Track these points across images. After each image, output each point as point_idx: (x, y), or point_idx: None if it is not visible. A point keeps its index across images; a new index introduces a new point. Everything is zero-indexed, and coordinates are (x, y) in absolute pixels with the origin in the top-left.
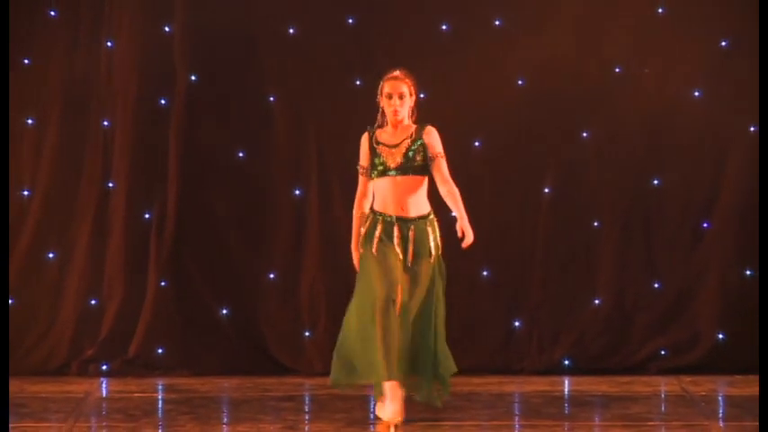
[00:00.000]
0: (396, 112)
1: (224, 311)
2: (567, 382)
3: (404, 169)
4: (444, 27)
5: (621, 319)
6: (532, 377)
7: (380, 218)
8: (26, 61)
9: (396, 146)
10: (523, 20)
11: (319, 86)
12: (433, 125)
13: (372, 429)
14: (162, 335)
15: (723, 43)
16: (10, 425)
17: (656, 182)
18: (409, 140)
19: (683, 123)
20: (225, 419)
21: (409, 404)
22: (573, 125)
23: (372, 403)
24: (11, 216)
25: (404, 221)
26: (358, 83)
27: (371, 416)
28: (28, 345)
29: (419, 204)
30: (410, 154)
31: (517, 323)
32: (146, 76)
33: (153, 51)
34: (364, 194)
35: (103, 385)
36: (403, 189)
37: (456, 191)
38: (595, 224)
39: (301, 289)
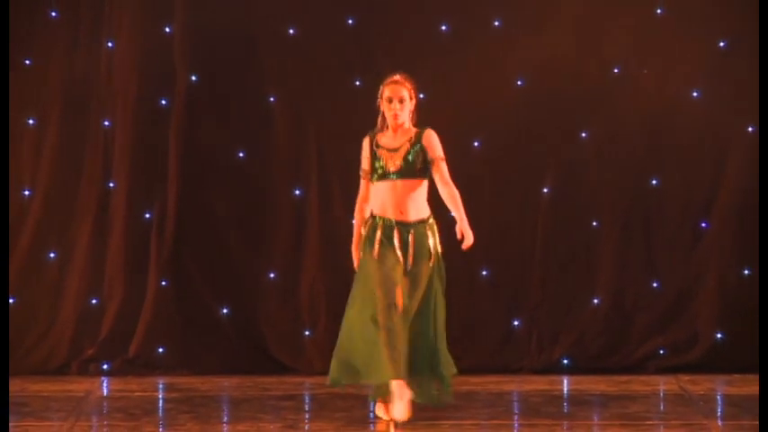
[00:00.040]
0: (396, 116)
1: (224, 311)
2: (566, 381)
3: (403, 173)
4: (444, 27)
5: (620, 318)
6: (532, 376)
7: (380, 222)
8: (27, 61)
9: (396, 150)
10: (523, 20)
11: (319, 86)
12: (432, 128)
13: (372, 428)
14: (162, 334)
15: (722, 44)
16: (12, 424)
17: (655, 182)
18: (409, 144)
19: (682, 123)
20: (225, 418)
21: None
22: (572, 125)
23: (372, 402)
24: (11, 216)
25: (403, 225)
26: (358, 83)
27: (371, 415)
28: (28, 344)
29: (419, 208)
30: (410, 158)
31: (516, 323)
32: (146, 76)
33: (153, 51)
34: (365, 198)
35: (104, 384)
36: (402, 193)
37: (456, 193)
38: (595, 224)
39: (301, 289)
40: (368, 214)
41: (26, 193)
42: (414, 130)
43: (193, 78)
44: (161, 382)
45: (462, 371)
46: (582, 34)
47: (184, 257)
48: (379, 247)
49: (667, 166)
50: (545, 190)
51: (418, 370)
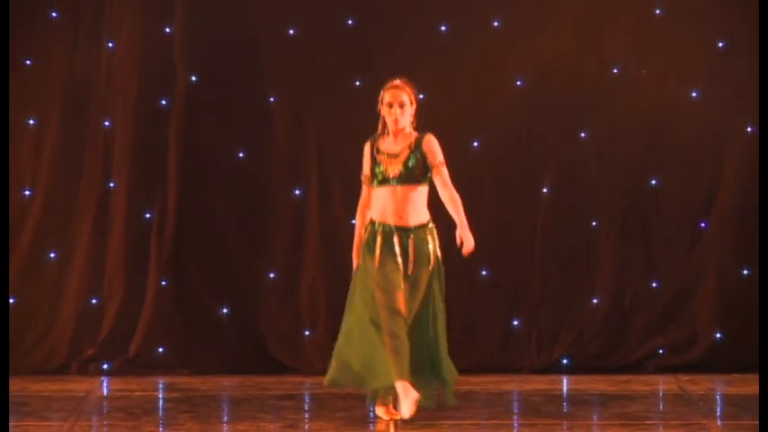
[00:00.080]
0: (396, 121)
1: (224, 311)
2: (565, 380)
3: (403, 179)
4: (444, 28)
5: (620, 318)
6: (531, 376)
7: (380, 228)
8: (27, 61)
9: (396, 155)
10: (523, 20)
11: (319, 86)
12: (432, 128)
13: (372, 428)
14: (162, 334)
15: (721, 44)
16: (12, 423)
17: (654, 182)
18: (409, 150)
19: (681, 123)
20: (225, 418)
21: None
22: (572, 125)
23: (371, 404)
24: (11, 216)
25: (403, 230)
26: (358, 83)
27: (371, 415)
28: (28, 344)
29: (418, 213)
30: (410, 163)
31: (516, 322)
32: (146, 76)
33: (153, 51)
34: (367, 203)
35: (104, 384)
36: (402, 198)
37: (457, 197)
38: (594, 224)
39: (301, 288)
40: (368, 220)
41: (26, 192)
42: (414, 134)
43: (193, 78)
44: (161, 382)
45: (462, 370)
46: (582, 34)
47: (184, 257)
48: (380, 255)
49: (667, 166)
50: (545, 190)
51: (419, 372)
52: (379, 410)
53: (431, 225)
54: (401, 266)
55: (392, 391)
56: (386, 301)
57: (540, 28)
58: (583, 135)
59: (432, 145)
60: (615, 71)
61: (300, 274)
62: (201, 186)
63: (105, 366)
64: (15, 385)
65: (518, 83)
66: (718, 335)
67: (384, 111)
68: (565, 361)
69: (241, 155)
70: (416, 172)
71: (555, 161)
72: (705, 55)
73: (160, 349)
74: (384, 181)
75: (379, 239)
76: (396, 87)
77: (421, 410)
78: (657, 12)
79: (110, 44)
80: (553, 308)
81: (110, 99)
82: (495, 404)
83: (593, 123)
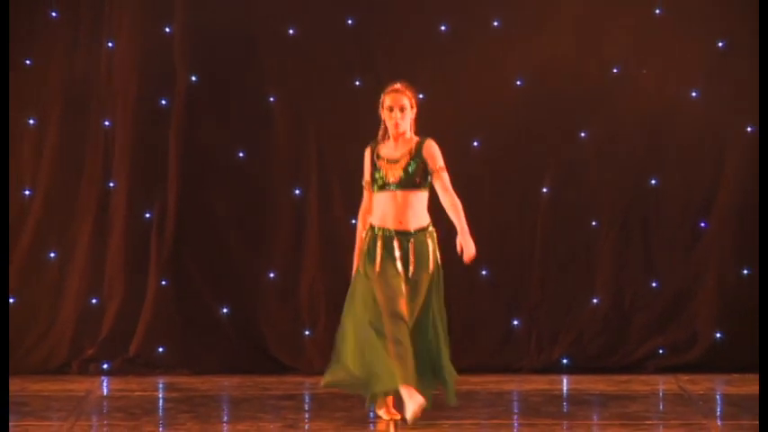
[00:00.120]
0: (397, 125)
1: (224, 311)
2: (565, 380)
3: (403, 184)
4: (443, 27)
5: (620, 318)
6: (531, 376)
7: (380, 233)
8: (27, 61)
9: (396, 161)
10: (522, 20)
11: (319, 86)
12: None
13: (372, 428)
14: (162, 334)
15: (721, 43)
16: (12, 423)
17: (654, 182)
18: (409, 155)
19: (681, 123)
20: (225, 418)
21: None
22: (572, 125)
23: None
24: (12, 216)
25: (403, 235)
26: (358, 83)
27: (371, 415)
28: (28, 344)
29: (419, 217)
30: (410, 169)
31: (516, 322)
32: (146, 76)
33: (153, 51)
34: (368, 209)
35: (104, 384)
36: (403, 203)
37: (458, 203)
38: (594, 224)
39: (301, 288)
40: (369, 225)
41: (26, 192)
42: (415, 139)
43: (193, 78)
44: (161, 382)
45: (462, 370)
46: (581, 34)
47: (184, 257)
48: (381, 261)
49: (667, 165)
50: (544, 190)
51: (421, 374)
52: (380, 411)
53: (431, 229)
54: (401, 271)
55: (392, 392)
56: (388, 307)
57: (540, 28)
58: (583, 135)
59: (432, 150)
60: (615, 71)
61: (300, 273)
62: (201, 186)
63: (105, 366)
64: (15, 385)
65: (518, 83)
66: (718, 335)
67: (384, 115)
68: (565, 361)
69: (241, 155)
70: (416, 177)
71: (555, 161)
72: (705, 55)
73: (160, 349)
74: (384, 186)
75: (379, 244)
76: (396, 91)
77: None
78: (657, 12)
79: (110, 44)
80: (553, 308)
81: (110, 99)
82: (496, 404)
83: (593, 123)
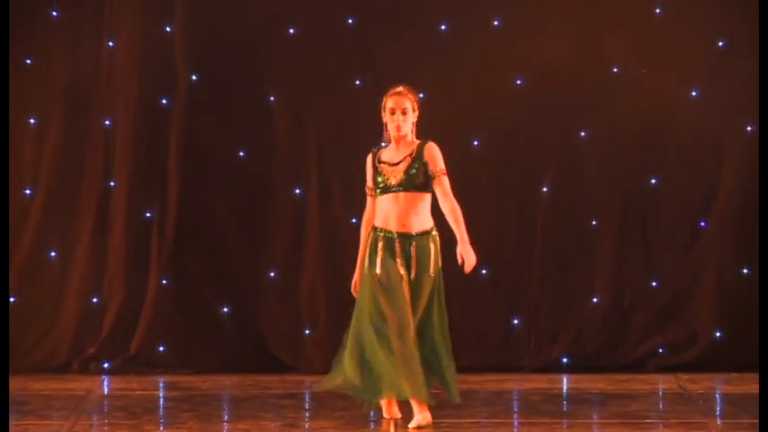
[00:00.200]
0: (399, 128)
1: (225, 310)
2: (565, 379)
3: (405, 186)
4: (443, 27)
5: (619, 317)
6: (531, 375)
7: (381, 234)
8: (27, 61)
9: (397, 164)
10: (522, 20)
11: (319, 86)
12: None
13: (372, 427)
14: (163, 333)
15: (721, 43)
16: (12, 422)
17: (654, 181)
18: (410, 159)
19: (681, 123)
20: (226, 417)
21: (408, 404)
22: (571, 125)
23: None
24: (13, 215)
25: (405, 237)
26: (358, 83)
27: (371, 414)
28: (30, 343)
29: (421, 220)
30: (411, 172)
31: (516, 321)
32: (146, 75)
33: (154, 51)
34: (372, 215)
35: (105, 383)
36: (405, 205)
37: (458, 208)
38: (594, 223)
39: (301, 288)
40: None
41: (27, 192)
42: (416, 142)
43: (193, 78)
44: (162, 381)
45: (462, 370)
46: (581, 34)
47: (185, 256)
48: (382, 264)
49: (666, 165)
50: (544, 189)
51: (427, 382)
52: (381, 409)
53: (434, 232)
54: (404, 274)
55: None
56: (394, 319)
57: (540, 28)
58: (582, 135)
59: (433, 152)
60: (615, 71)
61: (300, 273)
62: (202, 186)
63: (106, 365)
64: (17, 384)
65: (518, 83)
66: (717, 334)
67: (386, 117)
68: (564, 360)
69: (241, 154)
70: (418, 180)
71: (554, 161)
72: (705, 55)
73: (161, 348)
74: (386, 189)
75: (380, 247)
76: (398, 94)
77: None
78: (657, 11)
79: (110, 43)
80: (553, 307)
81: (110, 98)
82: (495, 403)
83: (592, 123)
